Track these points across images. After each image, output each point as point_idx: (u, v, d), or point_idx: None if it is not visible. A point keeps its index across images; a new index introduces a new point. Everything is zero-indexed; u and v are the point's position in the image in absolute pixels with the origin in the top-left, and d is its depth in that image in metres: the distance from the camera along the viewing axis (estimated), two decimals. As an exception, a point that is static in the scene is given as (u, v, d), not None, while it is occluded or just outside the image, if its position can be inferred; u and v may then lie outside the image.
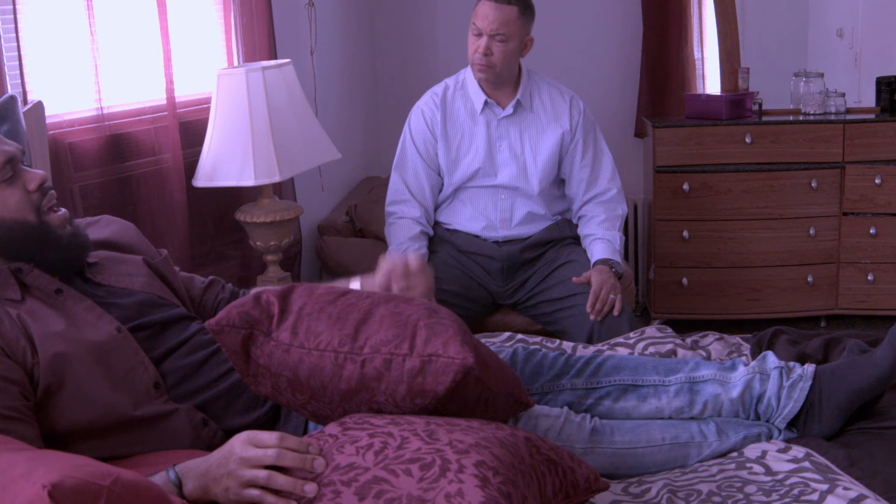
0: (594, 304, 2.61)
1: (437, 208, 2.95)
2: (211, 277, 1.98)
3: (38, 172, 1.64)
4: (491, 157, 2.85)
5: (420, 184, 2.88)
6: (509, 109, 2.84)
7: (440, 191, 2.92)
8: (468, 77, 2.88)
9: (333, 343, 1.43)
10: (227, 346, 1.49)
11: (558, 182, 2.93)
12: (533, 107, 2.87)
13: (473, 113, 2.86)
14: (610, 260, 2.73)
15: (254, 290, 2.00)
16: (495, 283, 2.86)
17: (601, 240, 2.79)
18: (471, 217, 2.88)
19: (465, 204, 2.90)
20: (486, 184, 2.86)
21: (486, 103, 2.84)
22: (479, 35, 2.73)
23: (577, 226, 2.92)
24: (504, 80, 2.83)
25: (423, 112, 2.89)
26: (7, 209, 1.59)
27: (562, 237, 2.90)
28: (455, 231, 2.90)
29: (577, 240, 2.91)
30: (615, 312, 2.62)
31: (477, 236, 2.88)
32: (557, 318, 2.74)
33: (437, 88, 2.92)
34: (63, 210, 1.68)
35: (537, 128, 2.86)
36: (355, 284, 1.82)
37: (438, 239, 2.91)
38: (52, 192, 1.67)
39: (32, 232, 1.61)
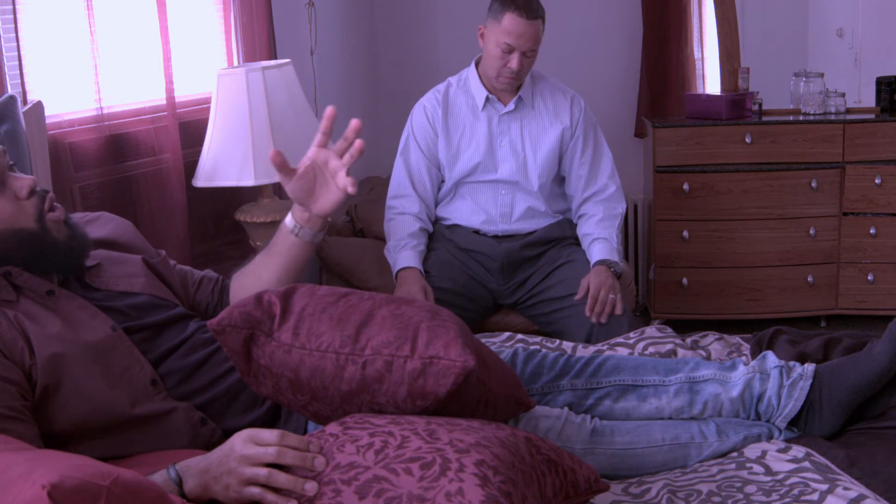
0: (593, 307, 2.62)
1: (437, 204, 2.96)
2: (202, 275, 1.98)
3: (26, 178, 1.59)
4: (491, 152, 2.86)
5: (422, 177, 2.90)
6: (511, 106, 2.86)
7: (441, 187, 2.93)
8: (471, 75, 2.90)
9: (334, 344, 1.43)
10: (229, 346, 1.49)
11: (559, 180, 2.94)
12: (534, 104, 2.89)
13: (475, 109, 2.88)
14: (608, 260, 2.73)
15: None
16: (495, 280, 2.86)
17: (600, 239, 2.79)
18: (471, 211, 2.90)
19: (466, 198, 2.91)
20: (487, 178, 2.87)
21: (487, 99, 2.86)
22: (510, 51, 2.73)
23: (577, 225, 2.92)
24: None
25: (424, 108, 2.92)
26: None
27: (563, 237, 2.91)
28: (455, 227, 2.91)
29: (578, 240, 2.91)
30: (617, 311, 2.62)
31: (477, 231, 2.89)
32: (556, 319, 2.74)
33: (441, 86, 2.95)
34: (59, 208, 1.64)
35: (538, 124, 2.87)
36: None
37: (438, 236, 2.92)
38: (50, 193, 1.63)
39: (29, 240, 1.58)
